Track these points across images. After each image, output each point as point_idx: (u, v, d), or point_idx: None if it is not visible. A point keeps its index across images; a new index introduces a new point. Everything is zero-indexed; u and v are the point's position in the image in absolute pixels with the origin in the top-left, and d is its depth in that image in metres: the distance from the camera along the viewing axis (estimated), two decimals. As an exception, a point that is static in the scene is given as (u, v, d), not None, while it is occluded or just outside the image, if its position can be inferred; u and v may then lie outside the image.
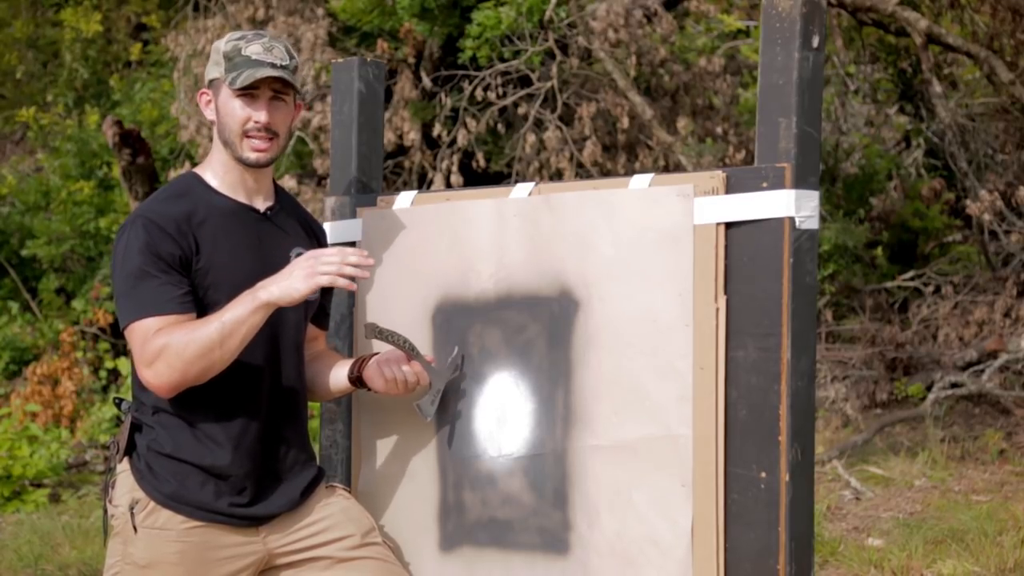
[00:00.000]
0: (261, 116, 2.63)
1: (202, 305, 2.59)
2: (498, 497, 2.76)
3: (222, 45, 2.66)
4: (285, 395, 2.72)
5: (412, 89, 8.74)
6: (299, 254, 2.69)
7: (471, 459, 2.79)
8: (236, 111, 2.63)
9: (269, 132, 2.64)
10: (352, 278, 2.58)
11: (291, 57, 2.66)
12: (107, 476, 2.70)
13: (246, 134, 2.64)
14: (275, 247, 2.70)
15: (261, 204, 2.72)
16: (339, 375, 2.82)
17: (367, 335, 2.70)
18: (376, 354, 2.78)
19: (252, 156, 2.65)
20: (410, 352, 2.72)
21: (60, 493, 7.18)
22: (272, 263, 2.64)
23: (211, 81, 2.68)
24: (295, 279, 2.54)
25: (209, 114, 2.70)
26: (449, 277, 2.84)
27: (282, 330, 2.69)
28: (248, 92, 2.62)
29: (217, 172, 2.69)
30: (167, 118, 10.25)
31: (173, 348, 2.50)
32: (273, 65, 2.61)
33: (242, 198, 2.70)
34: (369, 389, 2.78)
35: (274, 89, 2.64)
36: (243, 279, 2.60)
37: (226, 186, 2.69)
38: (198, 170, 2.73)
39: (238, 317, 2.52)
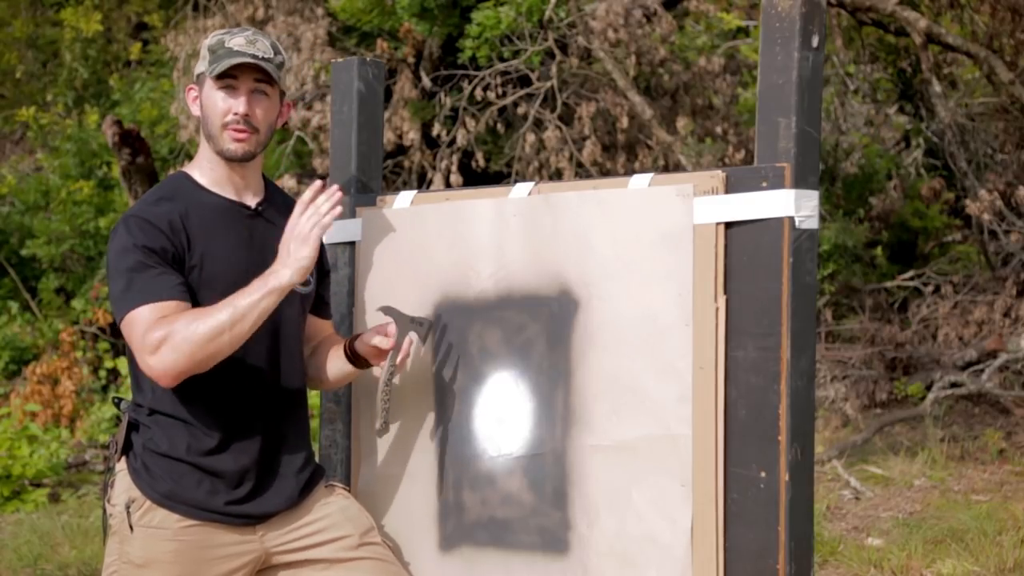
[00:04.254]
0: (240, 107, 2.61)
1: (196, 303, 2.57)
2: (498, 497, 2.75)
3: (209, 40, 2.66)
4: (284, 392, 2.71)
5: (412, 89, 8.75)
6: None
7: (471, 459, 2.79)
8: (217, 103, 2.62)
9: (248, 125, 2.62)
10: (331, 216, 2.60)
11: (276, 52, 2.65)
12: (106, 475, 2.70)
13: (226, 126, 2.62)
14: (266, 242, 2.67)
15: (251, 200, 2.71)
16: (337, 359, 2.81)
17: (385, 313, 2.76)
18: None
19: (231, 147, 2.62)
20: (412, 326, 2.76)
21: (60, 493, 7.17)
22: (264, 258, 2.62)
23: (197, 76, 2.68)
24: (296, 252, 2.55)
25: (195, 110, 2.69)
26: (449, 277, 2.84)
27: (282, 326, 2.68)
28: (228, 84, 2.61)
29: (204, 169, 2.69)
30: (167, 118, 10.26)
31: (180, 332, 2.47)
32: (254, 56, 2.59)
33: (231, 194, 2.69)
34: (364, 364, 2.78)
35: (255, 80, 2.62)
36: (236, 276, 2.59)
37: (214, 183, 2.67)
38: (187, 169, 2.72)
39: (251, 301, 2.51)
